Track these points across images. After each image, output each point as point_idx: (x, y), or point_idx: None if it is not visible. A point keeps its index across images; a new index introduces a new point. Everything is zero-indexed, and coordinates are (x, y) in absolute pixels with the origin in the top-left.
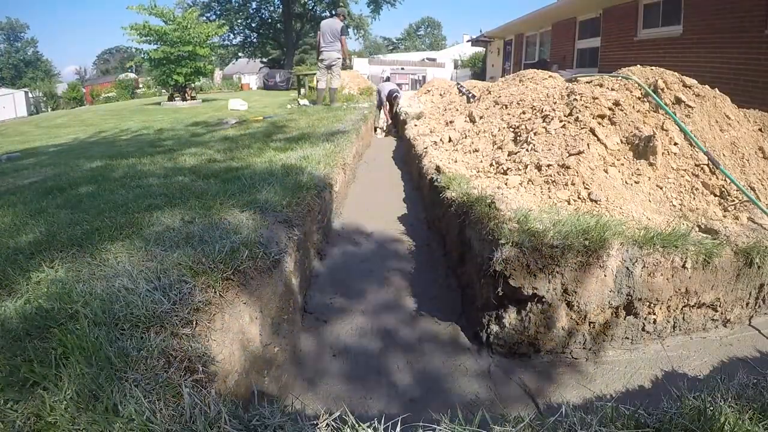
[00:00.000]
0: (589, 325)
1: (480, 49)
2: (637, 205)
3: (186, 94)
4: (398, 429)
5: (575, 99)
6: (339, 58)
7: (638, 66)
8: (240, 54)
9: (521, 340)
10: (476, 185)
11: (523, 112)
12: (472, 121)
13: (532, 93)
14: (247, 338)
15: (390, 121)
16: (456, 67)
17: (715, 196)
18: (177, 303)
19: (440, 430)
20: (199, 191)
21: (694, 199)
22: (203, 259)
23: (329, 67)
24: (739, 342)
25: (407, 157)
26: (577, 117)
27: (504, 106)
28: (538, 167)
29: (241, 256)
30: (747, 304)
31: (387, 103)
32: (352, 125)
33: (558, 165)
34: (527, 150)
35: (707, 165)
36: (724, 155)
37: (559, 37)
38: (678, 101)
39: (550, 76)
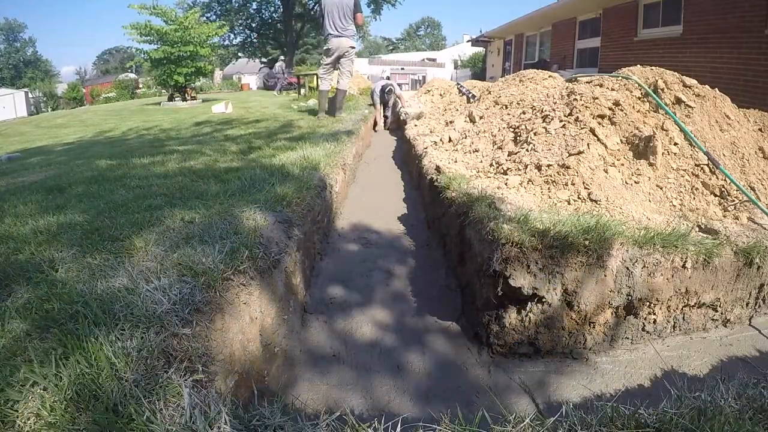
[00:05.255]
0: (589, 325)
1: (480, 49)
2: (637, 205)
3: (186, 94)
4: (398, 429)
5: (575, 99)
6: (352, 48)
7: (638, 66)
8: (240, 54)
9: (521, 340)
10: (476, 185)
11: (523, 112)
12: (472, 121)
13: (532, 93)
14: (247, 338)
15: (389, 120)
16: (456, 67)
17: (715, 196)
18: (177, 303)
19: (440, 429)
20: (200, 191)
21: (694, 199)
22: (203, 259)
23: (339, 60)
24: (739, 342)
25: (407, 157)
26: (577, 117)
27: (504, 106)
28: (538, 167)
29: (241, 256)
30: (747, 304)
31: (382, 104)
32: (352, 125)
33: (558, 165)
34: (527, 150)
35: (707, 165)
36: (724, 155)
37: (559, 37)
38: (678, 101)
39: (550, 76)
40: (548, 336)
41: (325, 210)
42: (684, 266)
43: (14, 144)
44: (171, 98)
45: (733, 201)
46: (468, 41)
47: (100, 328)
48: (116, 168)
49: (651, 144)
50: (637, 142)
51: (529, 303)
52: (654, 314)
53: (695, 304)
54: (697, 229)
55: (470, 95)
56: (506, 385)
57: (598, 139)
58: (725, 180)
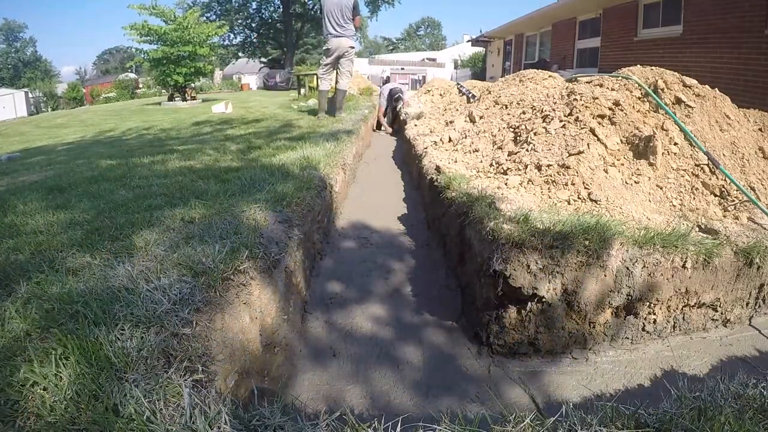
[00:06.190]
0: (589, 325)
1: (480, 49)
2: (637, 205)
3: (186, 94)
4: (398, 429)
5: (575, 99)
6: (352, 48)
7: (638, 66)
8: (240, 54)
9: (521, 340)
10: (476, 185)
11: (523, 112)
12: (472, 121)
13: (532, 93)
14: (247, 338)
15: (392, 128)
16: (456, 67)
17: (715, 196)
18: (177, 303)
19: (440, 429)
20: (200, 191)
21: (694, 199)
22: (203, 259)
23: (338, 60)
24: (739, 342)
25: (407, 157)
26: (577, 117)
27: (504, 106)
28: (538, 167)
29: (241, 256)
30: (747, 304)
31: (390, 105)
32: (352, 125)
33: (558, 165)
34: (527, 150)
35: (707, 165)
36: (724, 155)
37: (559, 37)
38: (678, 101)
39: (550, 76)
40: (548, 336)
41: (325, 210)
42: (684, 266)
43: (14, 144)
44: (171, 98)
45: (733, 201)
46: (468, 41)
47: (100, 328)
48: (116, 168)
49: (651, 144)
50: (637, 142)
51: (529, 303)
52: (654, 314)
53: (695, 304)
54: (697, 229)
55: (470, 95)
56: (506, 385)
57: (598, 139)
58: (725, 180)
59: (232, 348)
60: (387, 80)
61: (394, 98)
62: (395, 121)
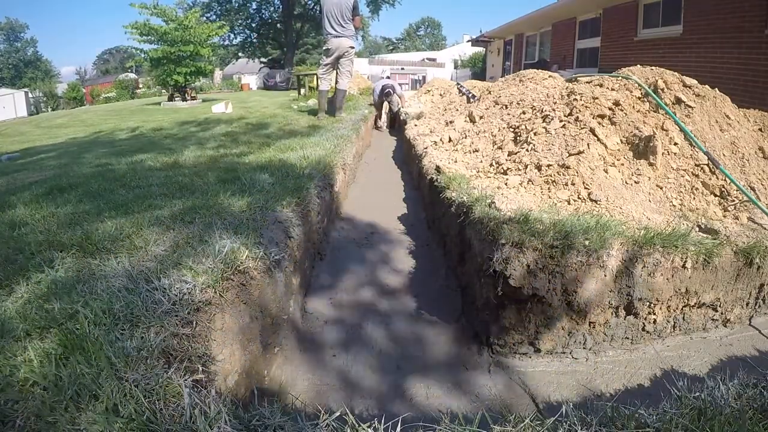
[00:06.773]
0: (589, 325)
1: (480, 49)
2: (637, 205)
3: (186, 94)
4: (398, 429)
5: (575, 99)
6: (352, 48)
7: (638, 66)
8: (240, 54)
9: (521, 340)
10: (476, 185)
11: (523, 112)
12: (472, 121)
13: (532, 93)
14: (247, 338)
15: (386, 124)
16: (456, 67)
17: (715, 196)
18: (177, 303)
19: (440, 429)
20: (200, 191)
21: (694, 199)
22: (203, 259)
23: (338, 60)
24: (739, 342)
25: (407, 157)
26: (577, 117)
27: (504, 106)
28: (538, 167)
29: (241, 256)
30: (747, 304)
31: (383, 102)
32: (352, 125)
33: (558, 165)
34: (527, 150)
35: (707, 165)
36: (724, 155)
37: (559, 37)
38: (678, 101)
39: (550, 76)
40: (548, 336)
41: (325, 210)
42: (684, 266)
43: (14, 144)
44: (171, 98)
45: (733, 201)
46: (468, 41)
47: (100, 328)
48: (116, 168)
49: (651, 144)
50: (637, 142)
51: (529, 303)
52: (654, 314)
53: (695, 304)
54: (697, 229)
55: (470, 95)
56: (506, 384)
57: (598, 139)
58: (725, 180)
59: (232, 348)
60: (382, 90)
61: (384, 93)
62: (393, 120)
